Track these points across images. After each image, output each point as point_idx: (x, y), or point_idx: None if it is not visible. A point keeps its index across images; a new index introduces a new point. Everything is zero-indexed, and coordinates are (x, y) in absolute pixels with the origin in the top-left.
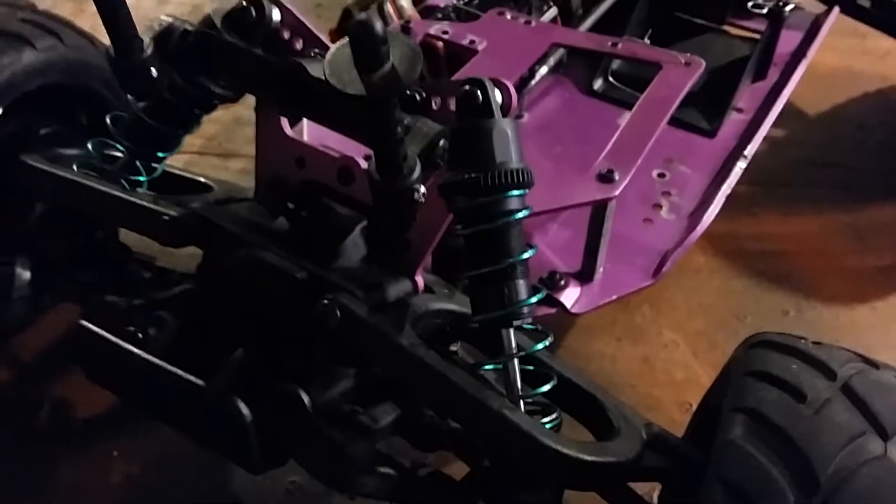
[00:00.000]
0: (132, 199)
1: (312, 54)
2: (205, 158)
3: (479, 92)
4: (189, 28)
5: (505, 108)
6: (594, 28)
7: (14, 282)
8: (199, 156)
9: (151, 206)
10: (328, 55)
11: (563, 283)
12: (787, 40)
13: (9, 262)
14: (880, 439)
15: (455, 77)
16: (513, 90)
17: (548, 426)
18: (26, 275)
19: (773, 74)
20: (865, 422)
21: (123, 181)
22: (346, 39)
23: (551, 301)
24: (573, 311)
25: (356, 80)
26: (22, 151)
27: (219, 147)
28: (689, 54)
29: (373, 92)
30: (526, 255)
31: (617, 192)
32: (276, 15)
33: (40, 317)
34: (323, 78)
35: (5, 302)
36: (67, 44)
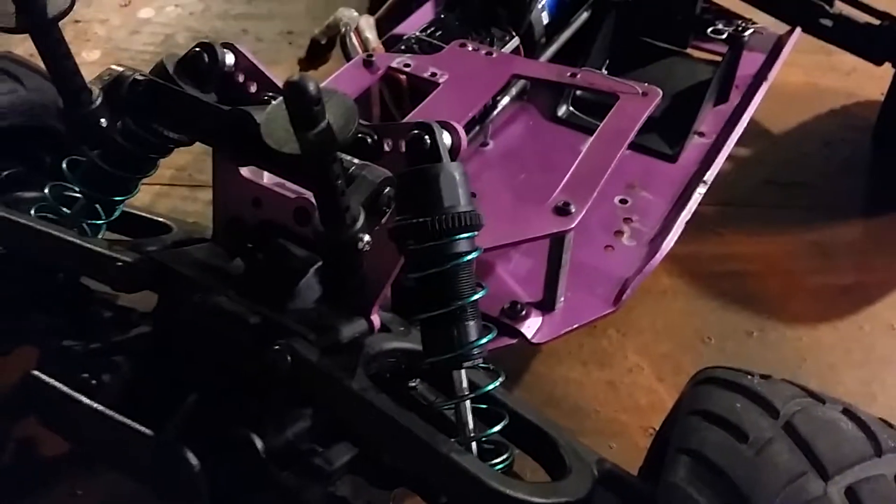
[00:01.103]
0: (87, 245)
1: (266, 98)
2: (175, 189)
3: (426, 136)
4: (139, 77)
5: (454, 151)
6: (558, 54)
7: None
8: (169, 187)
9: (106, 252)
10: (265, 113)
11: (524, 313)
12: (750, 62)
13: None
14: (821, 479)
15: (417, 110)
16: (462, 132)
17: (499, 466)
18: None
19: (735, 97)
20: (807, 461)
21: (83, 225)
22: (281, 98)
23: (513, 332)
24: (534, 340)
25: (293, 138)
26: None
27: (189, 178)
28: (646, 84)
29: (308, 149)
30: (476, 297)
31: (573, 225)
32: (229, 59)
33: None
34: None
35: None
36: (28, 87)
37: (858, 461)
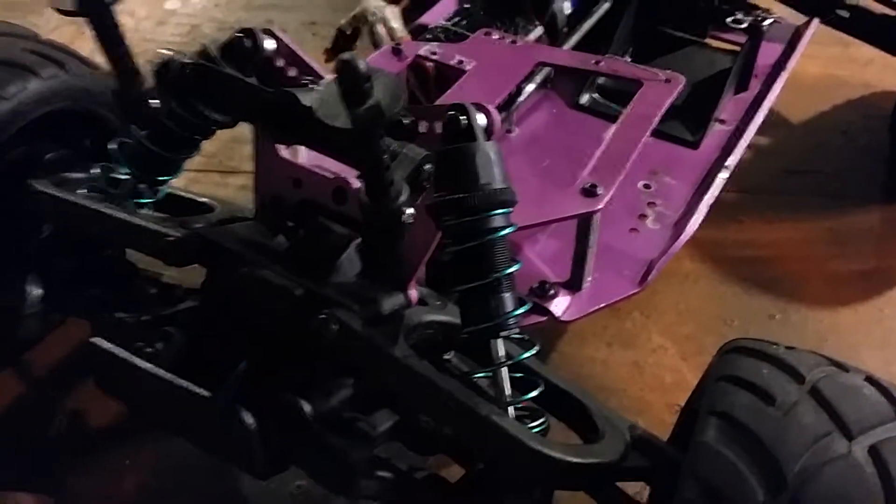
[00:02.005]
0: (138, 221)
1: (304, 82)
2: (206, 175)
3: (462, 117)
4: (187, 61)
5: (488, 131)
6: (580, 45)
7: (26, 299)
8: (200, 173)
9: (156, 227)
10: (317, 90)
11: (552, 292)
12: (769, 52)
13: (20, 280)
14: (845, 439)
15: (444, 97)
16: (495, 113)
17: (535, 430)
18: (37, 292)
19: (755, 86)
20: (831, 423)
21: (129, 203)
22: (334, 77)
23: (542, 310)
24: (562, 319)
25: (344, 113)
26: (30, 176)
27: (219, 164)
28: (669, 71)
29: (358, 124)
30: (511, 270)
31: (600, 206)
32: (269, 45)
33: (52, 332)
34: (313, 107)
35: (18, 318)
36: (70, 71)
37: (881, 423)
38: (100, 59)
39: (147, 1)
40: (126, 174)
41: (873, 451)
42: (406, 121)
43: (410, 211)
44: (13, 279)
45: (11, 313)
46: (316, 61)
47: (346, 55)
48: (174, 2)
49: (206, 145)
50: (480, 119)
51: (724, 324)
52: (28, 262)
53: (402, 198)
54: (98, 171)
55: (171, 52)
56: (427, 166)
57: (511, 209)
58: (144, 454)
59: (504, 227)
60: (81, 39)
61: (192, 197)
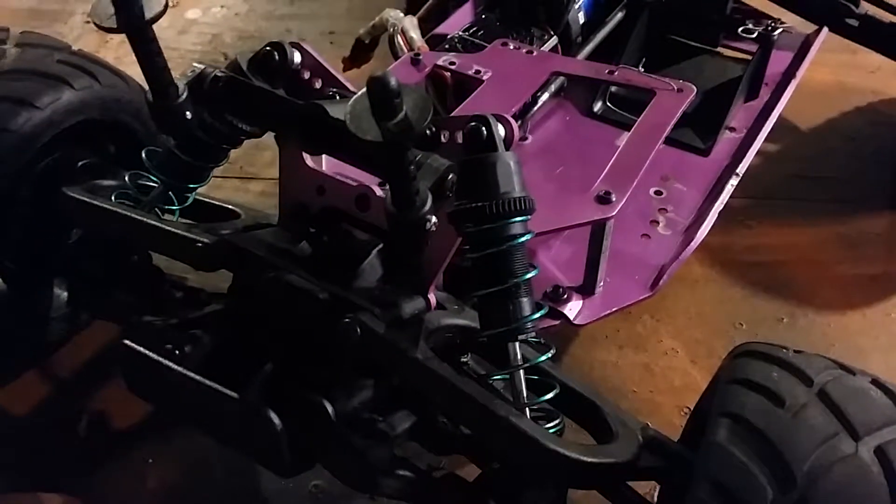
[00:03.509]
0: (168, 227)
1: (331, 93)
2: (227, 181)
3: (483, 128)
4: (219, 74)
5: (507, 142)
6: (593, 54)
7: (53, 301)
8: (221, 179)
9: (186, 234)
10: (349, 104)
11: (566, 296)
12: (778, 60)
13: (48, 283)
14: (852, 440)
15: (462, 106)
16: (514, 124)
17: (552, 431)
18: (64, 295)
19: (765, 94)
20: (839, 424)
21: (157, 210)
22: (364, 91)
23: (555, 314)
24: (576, 322)
25: (374, 127)
26: (61, 183)
27: (240, 171)
28: (681, 81)
29: (388, 138)
30: (529, 275)
31: (614, 213)
32: (296, 58)
33: (78, 334)
34: (342, 119)
35: (46, 320)
36: (102, 82)
37: (887, 424)
38: (124, 66)
39: (169, 11)
40: (155, 181)
41: (879, 451)
42: (428, 131)
43: (434, 220)
44: (42, 282)
45: (40, 316)
46: (335, 69)
47: (378, 72)
48: (195, 11)
49: None
50: (500, 130)
51: (733, 327)
52: (57, 265)
53: (427, 207)
54: (127, 178)
55: (203, 66)
56: (451, 175)
57: (529, 216)
58: (167, 453)
59: (522, 234)
60: (105, 49)
61: (219, 203)
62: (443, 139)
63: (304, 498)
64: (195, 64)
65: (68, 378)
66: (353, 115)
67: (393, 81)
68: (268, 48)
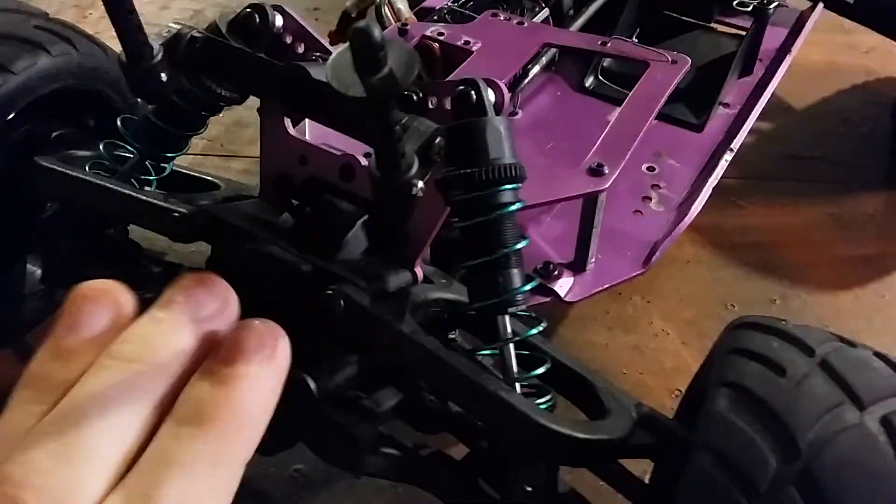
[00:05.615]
0: (144, 197)
1: (313, 57)
2: (208, 159)
3: (472, 91)
4: (196, 34)
5: (497, 107)
6: (585, 27)
7: (27, 279)
8: (202, 157)
9: (163, 203)
10: (330, 60)
11: (556, 272)
12: (773, 36)
13: (21, 260)
14: (856, 409)
15: (451, 77)
16: (505, 89)
17: (542, 407)
18: (38, 272)
19: (759, 70)
20: (842, 393)
21: (134, 181)
22: (346, 45)
23: (546, 290)
24: (567, 299)
25: (357, 82)
26: (35, 153)
27: (221, 148)
28: (675, 52)
29: (372, 93)
30: (520, 246)
31: (606, 186)
32: (278, 20)
33: (53, 312)
34: (325, 80)
35: (20, 298)
36: (80, 50)
37: (891, 395)
38: (105, 40)
39: None
40: (132, 152)
41: (885, 421)
42: (415, 96)
43: (421, 185)
44: (15, 258)
45: (13, 293)
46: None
47: (360, 23)
48: None
49: (208, 129)
50: (490, 95)
51: (725, 308)
52: (31, 241)
53: (413, 170)
54: (102, 147)
55: (180, 27)
56: (438, 140)
57: (520, 184)
58: None
59: (513, 203)
60: (85, 23)
61: (197, 174)
62: (430, 105)
63: (285, 482)
64: (171, 24)
65: None
66: (334, 71)
67: (377, 33)
68: (248, 9)
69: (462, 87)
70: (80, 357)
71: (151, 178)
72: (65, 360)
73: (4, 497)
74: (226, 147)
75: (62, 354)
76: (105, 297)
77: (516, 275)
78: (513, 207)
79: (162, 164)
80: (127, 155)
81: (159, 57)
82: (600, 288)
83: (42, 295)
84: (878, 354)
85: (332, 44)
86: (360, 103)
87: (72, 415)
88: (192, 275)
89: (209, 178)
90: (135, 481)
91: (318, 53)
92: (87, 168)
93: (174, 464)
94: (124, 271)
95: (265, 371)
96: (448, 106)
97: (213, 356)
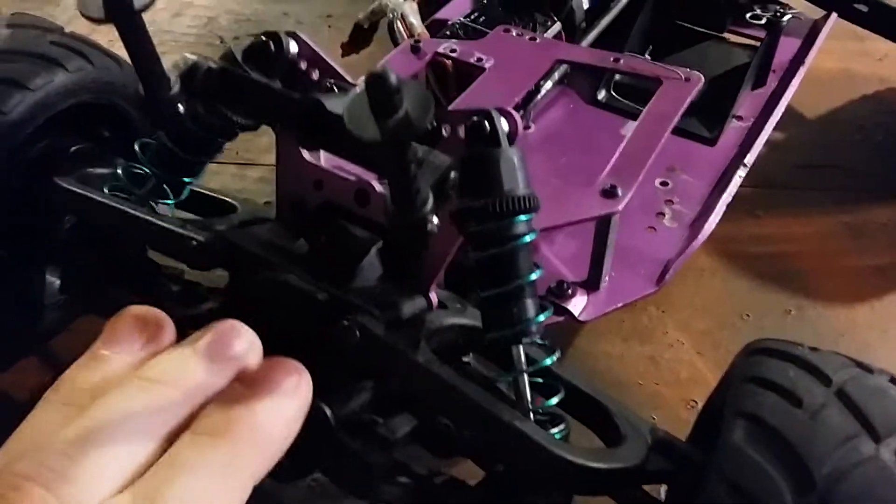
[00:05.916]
0: (162, 223)
1: (329, 84)
2: (224, 167)
3: (486, 122)
4: (212, 65)
5: (511, 136)
6: (597, 40)
7: (46, 289)
8: (219, 165)
9: (180, 230)
10: (346, 102)
11: (570, 291)
12: (786, 47)
13: (40, 271)
14: (872, 441)
15: (464, 95)
16: (518, 118)
17: (557, 436)
18: (57, 282)
19: (773, 81)
20: (858, 425)
21: (152, 203)
22: (362, 88)
23: (560, 310)
24: (581, 318)
25: (373, 125)
26: (54, 168)
27: (237, 157)
28: (688, 70)
29: (387, 137)
30: (534, 277)
31: (620, 207)
32: (293, 47)
33: (72, 323)
34: (340, 115)
35: (40, 308)
36: (96, 64)
37: None
38: (117, 52)
39: None
40: (149, 174)
41: None
42: (430, 125)
43: (435, 220)
44: (35, 269)
45: (33, 302)
46: (332, 55)
47: (376, 68)
48: None
49: None
50: (503, 124)
51: (740, 319)
52: (50, 252)
53: (428, 206)
54: (121, 171)
55: (196, 57)
56: (452, 175)
57: (534, 214)
58: None
59: (527, 233)
60: (98, 34)
61: (216, 196)
62: (444, 133)
63: (302, 491)
64: (186, 55)
65: (63, 367)
66: (351, 114)
67: (392, 78)
68: (262, 38)
69: (475, 118)
70: (114, 371)
71: (169, 202)
72: (99, 371)
73: (14, 488)
74: (241, 155)
75: (98, 365)
76: (148, 322)
77: (530, 305)
78: (527, 238)
79: (180, 187)
80: (145, 171)
81: (176, 88)
82: (614, 307)
83: (62, 305)
84: (894, 381)
85: (343, 55)
86: (376, 146)
87: (95, 422)
88: (224, 321)
89: (226, 200)
90: (145, 481)
91: (332, 80)
92: (105, 189)
93: (184, 467)
94: (142, 291)
95: (288, 401)
96: (462, 134)
97: (240, 381)
